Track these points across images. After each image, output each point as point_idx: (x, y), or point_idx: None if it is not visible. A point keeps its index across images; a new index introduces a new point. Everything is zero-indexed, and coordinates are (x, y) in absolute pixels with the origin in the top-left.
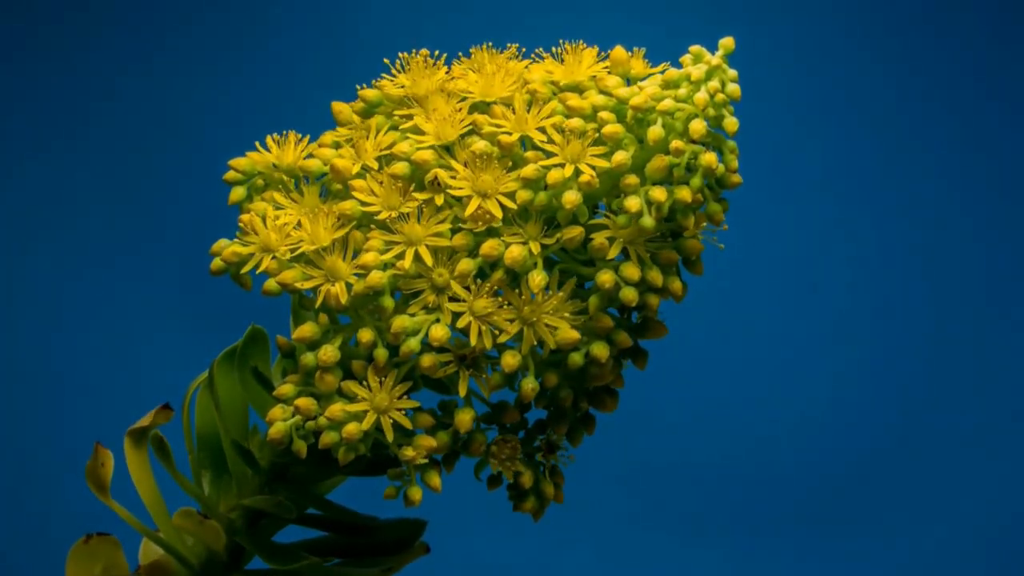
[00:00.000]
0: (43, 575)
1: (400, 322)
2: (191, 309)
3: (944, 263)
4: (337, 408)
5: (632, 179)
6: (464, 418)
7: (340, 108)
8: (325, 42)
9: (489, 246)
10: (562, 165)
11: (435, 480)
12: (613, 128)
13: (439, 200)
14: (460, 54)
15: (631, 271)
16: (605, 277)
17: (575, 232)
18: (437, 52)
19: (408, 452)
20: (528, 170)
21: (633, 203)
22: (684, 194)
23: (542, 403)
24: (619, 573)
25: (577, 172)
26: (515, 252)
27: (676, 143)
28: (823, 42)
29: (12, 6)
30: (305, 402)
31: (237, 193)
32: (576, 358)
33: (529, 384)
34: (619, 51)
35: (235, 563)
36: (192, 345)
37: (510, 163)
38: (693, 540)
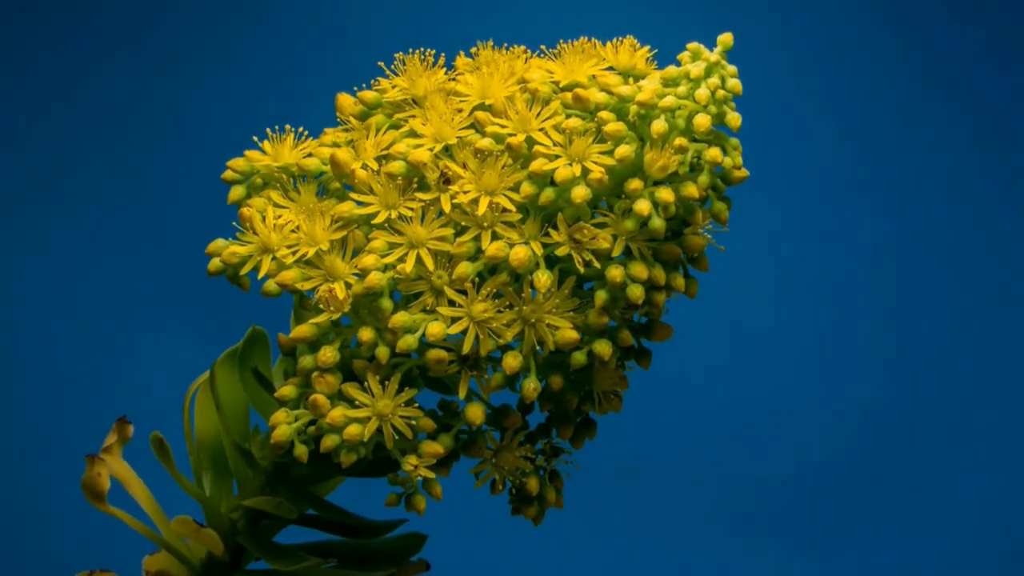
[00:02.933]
0: (43, 574)
1: (399, 318)
2: (192, 310)
3: (943, 263)
4: (338, 413)
5: (636, 183)
6: (476, 412)
7: (344, 101)
8: (326, 41)
9: (496, 247)
10: (569, 164)
11: (436, 489)
12: (615, 127)
13: (446, 204)
14: (461, 52)
15: (639, 269)
16: (615, 272)
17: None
18: (435, 52)
19: (412, 461)
20: (536, 163)
21: (644, 207)
22: (690, 190)
23: (547, 406)
24: (618, 573)
25: (585, 171)
26: (520, 253)
27: (680, 140)
28: (821, 41)
29: (11, 4)
30: (321, 398)
31: (236, 192)
32: (579, 357)
33: (531, 384)
34: (621, 48)
35: (236, 563)
36: (193, 346)
37: (510, 161)
38: (692, 540)
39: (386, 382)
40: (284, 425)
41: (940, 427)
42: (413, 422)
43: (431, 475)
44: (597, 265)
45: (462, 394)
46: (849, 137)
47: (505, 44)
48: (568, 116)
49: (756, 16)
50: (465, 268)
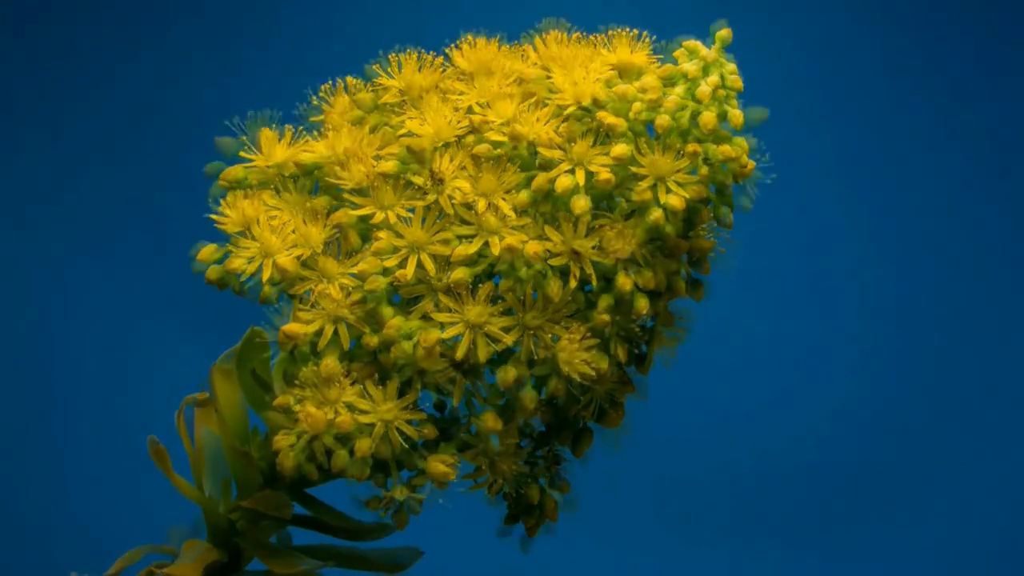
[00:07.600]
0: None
1: (394, 324)
2: (191, 311)
3: (948, 262)
4: (347, 419)
5: (646, 193)
6: (492, 421)
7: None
8: (325, 40)
9: (516, 239)
10: (571, 170)
11: (415, 508)
12: (615, 121)
13: (447, 205)
14: (456, 46)
15: (646, 278)
16: (624, 282)
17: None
18: (433, 53)
19: (403, 492)
20: (539, 180)
21: (657, 215)
22: (698, 191)
23: (548, 414)
24: (618, 572)
25: (589, 174)
26: (536, 247)
27: (694, 146)
28: (821, 40)
29: (9, 5)
30: (315, 411)
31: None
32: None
33: (528, 395)
34: (620, 45)
35: (235, 564)
36: (192, 347)
37: (510, 166)
38: (694, 541)
39: (381, 387)
40: (287, 450)
41: (943, 427)
42: (423, 429)
43: (420, 498)
44: (594, 283)
45: (456, 400)
46: (852, 136)
47: (518, 40)
48: (567, 118)
49: (755, 11)
50: (461, 273)
